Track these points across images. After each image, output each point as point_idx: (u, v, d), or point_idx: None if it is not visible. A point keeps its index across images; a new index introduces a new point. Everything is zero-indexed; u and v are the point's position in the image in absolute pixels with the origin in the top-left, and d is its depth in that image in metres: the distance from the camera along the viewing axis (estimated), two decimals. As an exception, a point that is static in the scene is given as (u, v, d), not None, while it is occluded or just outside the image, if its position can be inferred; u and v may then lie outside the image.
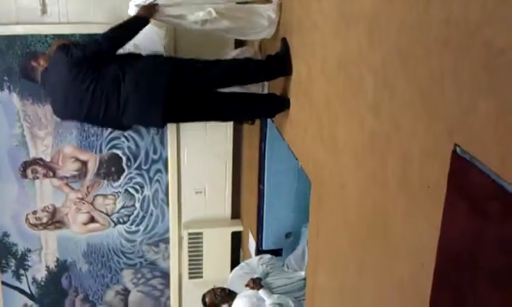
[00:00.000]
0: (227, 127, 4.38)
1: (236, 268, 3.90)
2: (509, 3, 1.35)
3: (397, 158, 2.00)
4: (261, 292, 3.40)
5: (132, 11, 3.07)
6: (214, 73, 3.10)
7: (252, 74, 3.24)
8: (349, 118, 2.44)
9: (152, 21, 3.10)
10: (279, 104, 3.28)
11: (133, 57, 3.10)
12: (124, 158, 4.36)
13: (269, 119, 3.68)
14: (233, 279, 3.76)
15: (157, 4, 3.02)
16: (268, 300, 3.39)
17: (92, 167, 4.37)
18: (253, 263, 3.82)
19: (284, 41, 3.20)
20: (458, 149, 1.60)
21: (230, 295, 3.56)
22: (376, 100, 2.16)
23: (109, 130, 4.23)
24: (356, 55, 2.34)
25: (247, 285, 3.45)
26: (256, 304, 3.43)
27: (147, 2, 2.99)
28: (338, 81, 2.53)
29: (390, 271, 2.12)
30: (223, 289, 3.59)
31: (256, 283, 3.42)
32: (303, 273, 3.58)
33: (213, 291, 3.57)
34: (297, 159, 3.21)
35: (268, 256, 3.89)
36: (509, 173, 1.38)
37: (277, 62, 3.18)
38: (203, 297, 3.61)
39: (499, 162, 1.42)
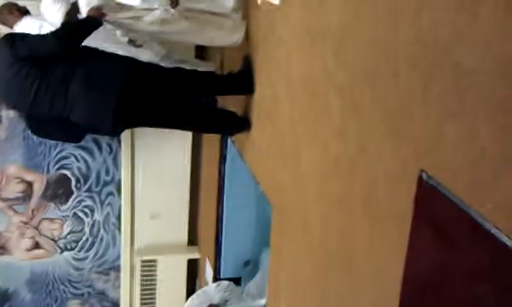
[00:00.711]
0: (185, 148, 4.22)
1: (192, 297, 3.72)
2: (479, 24, 1.31)
3: (363, 183, 1.93)
4: None
5: (84, 8, 2.85)
6: (172, 80, 2.93)
7: (211, 87, 3.10)
8: (313, 140, 2.34)
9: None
10: (239, 124, 3.14)
11: (86, 53, 2.86)
12: (73, 180, 4.13)
13: (229, 141, 3.54)
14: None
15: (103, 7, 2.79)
16: None
17: (38, 188, 4.11)
18: (210, 291, 3.65)
19: (246, 60, 3.07)
20: (424, 175, 1.56)
21: None
22: (341, 122, 2.08)
23: (58, 149, 4.00)
24: (321, 74, 2.25)
25: None
26: None
27: (94, 5, 2.77)
28: (302, 101, 2.44)
29: (352, 301, 2.03)
30: None
31: None
32: (263, 301, 3.42)
33: None
34: (258, 183, 3.07)
35: (226, 282, 3.72)
36: (475, 200, 1.33)
37: (239, 80, 3.04)
38: None
39: (466, 189, 1.37)
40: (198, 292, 3.76)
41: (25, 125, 3.35)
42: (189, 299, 3.74)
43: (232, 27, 3.09)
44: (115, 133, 3.23)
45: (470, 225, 1.35)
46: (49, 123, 2.98)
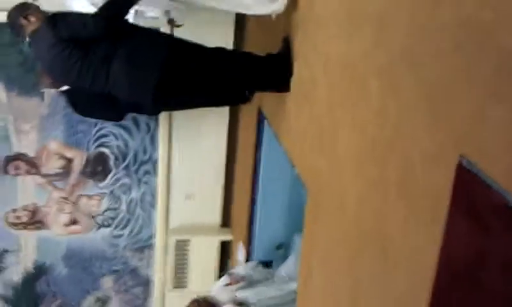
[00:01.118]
0: (221, 129, 4.22)
1: (221, 279, 3.75)
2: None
3: (400, 167, 1.91)
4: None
5: None
6: (213, 62, 2.91)
7: (252, 72, 3.07)
8: (351, 124, 2.33)
9: None
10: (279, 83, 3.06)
11: (127, 32, 2.86)
12: (112, 158, 4.20)
13: (266, 123, 3.55)
14: (218, 290, 3.62)
15: None
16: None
17: (78, 165, 4.20)
18: (239, 268, 3.69)
19: (286, 41, 3.05)
20: (464, 161, 1.52)
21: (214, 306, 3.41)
22: (380, 105, 2.06)
23: (98, 126, 4.07)
24: (361, 56, 2.23)
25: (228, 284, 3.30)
26: None
27: None
28: (340, 83, 2.42)
29: (387, 286, 2.01)
30: (205, 298, 3.43)
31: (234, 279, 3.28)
32: (294, 285, 3.44)
33: (196, 301, 3.41)
34: (293, 166, 3.07)
35: (254, 262, 3.76)
36: None
37: (279, 62, 3.03)
38: None
39: (506, 175, 1.34)
40: (227, 275, 3.81)
41: (66, 102, 3.42)
42: (219, 281, 3.79)
43: None
44: (155, 111, 3.26)
45: (509, 212, 1.32)
46: (91, 100, 3.04)
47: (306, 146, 2.87)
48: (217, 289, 3.66)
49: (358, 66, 2.25)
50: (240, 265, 3.81)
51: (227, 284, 3.38)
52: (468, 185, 1.52)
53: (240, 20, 3.70)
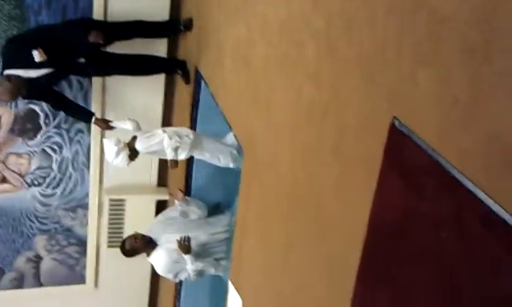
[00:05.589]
0: (158, 88, 4.10)
1: (158, 216, 3.73)
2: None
3: (334, 128, 1.95)
4: (186, 257, 3.26)
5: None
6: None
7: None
8: (287, 85, 2.34)
9: None
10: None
11: None
12: (42, 115, 4.02)
13: (203, 83, 3.51)
14: (154, 225, 3.57)
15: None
16: (191, 265, 3.27)
17: (6, 122, 4.00)
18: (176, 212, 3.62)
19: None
20: (396, 122, 1.56)
21: (151, 244, 3.38)
22: (316, 67, 2.08)
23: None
24: (298, 18, 2.23)
25: (179, 246, 3.27)
26: (176, 260, 3.31)
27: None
28: (278, 45, 2.42)
29: (319, 243, 2.08)
30: (143, 236, 3.40)
31: (183, 246, 3.25)
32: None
33: (134, 237, 3.37)
34: (230, 127, 3.07)
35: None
36: (446, 149, 1.35)
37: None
38: (123, 242, 3.41)
39: (437, 137, 1.39)
40: (163, 212, 3.78)
41: None
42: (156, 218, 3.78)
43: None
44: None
45: (439, 174, 1.37)
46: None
47: (242, 106, 2.86)
48: (152, 225, 3.59)
49: (296, 27, 2.24)
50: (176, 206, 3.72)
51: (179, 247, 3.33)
52: (399, 146, 1.56)
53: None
